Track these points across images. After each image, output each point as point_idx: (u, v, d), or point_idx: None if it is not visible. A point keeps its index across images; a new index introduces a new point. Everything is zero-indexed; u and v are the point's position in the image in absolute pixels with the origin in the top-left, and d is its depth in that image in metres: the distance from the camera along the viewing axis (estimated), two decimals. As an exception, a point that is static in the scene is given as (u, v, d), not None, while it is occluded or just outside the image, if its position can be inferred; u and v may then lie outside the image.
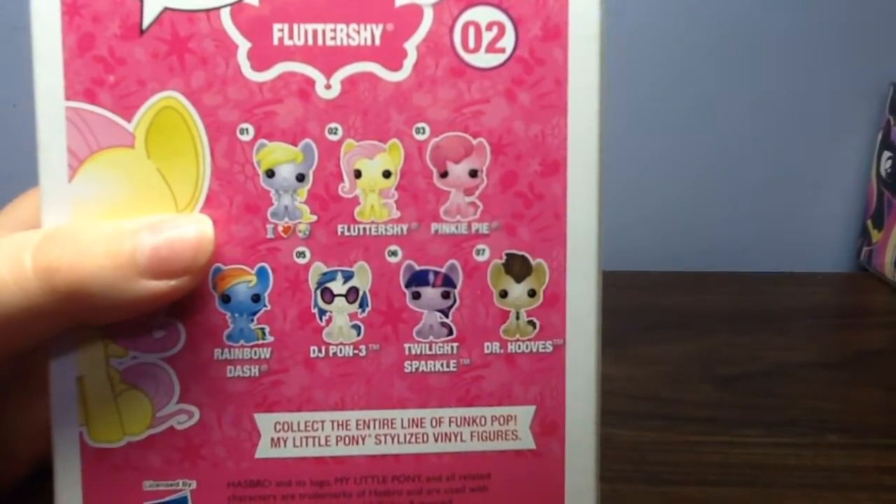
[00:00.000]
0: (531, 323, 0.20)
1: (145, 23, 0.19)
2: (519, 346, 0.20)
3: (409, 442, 0.20)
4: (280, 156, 0.19)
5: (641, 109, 0.50)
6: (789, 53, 0.50)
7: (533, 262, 0.20)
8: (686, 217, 0.52)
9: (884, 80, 0.50)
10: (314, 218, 0.19)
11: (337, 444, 0.20)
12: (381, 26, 0.19)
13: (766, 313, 0.43)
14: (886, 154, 0.49)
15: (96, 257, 0.18)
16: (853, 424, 0.31)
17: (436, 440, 0.20)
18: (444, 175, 0.20)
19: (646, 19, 0.49)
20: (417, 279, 0.20)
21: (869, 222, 0.51)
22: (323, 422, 0.20)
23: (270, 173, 0.19)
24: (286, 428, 0.20)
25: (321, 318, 0.20)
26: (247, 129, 0.19)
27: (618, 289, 0.44)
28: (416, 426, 0.20)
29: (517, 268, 0.20)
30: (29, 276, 0.18)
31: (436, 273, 0.20)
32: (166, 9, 0.19)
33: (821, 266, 0.53)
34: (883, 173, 0.49)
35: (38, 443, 0.25)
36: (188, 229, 0.19)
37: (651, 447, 0.29)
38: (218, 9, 0.19)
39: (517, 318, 0.20)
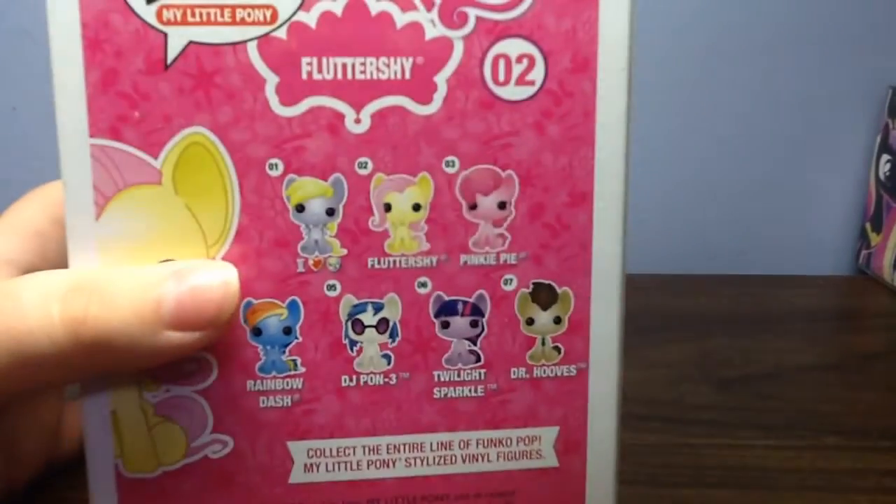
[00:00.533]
0: (556, 348, 0.21)
1: (170, 57, 0.18)
2: (544, 370, 0.21)
3: (438, 464, 0.21)
4: (310, 191, 0.19)
5: (640, 112, 0.50)
6: (788, 56, 0.50)
7: (559, 290, 0.20)
8: (685, 219, 0.53)
9: (882, 84, 0.50)
10: (344, 251, 0.20)
11: (368, 468, 0.21)
12: (411, 59, 0.19)
13: (765, 316, 0.43)
14: (885, 157, 0.49)
15: (122, 310, 0.18)
16: (852, 427, 0.31)
17: (463, 461, 0.21)
18: (473, 207, 0.20)
19: (645, 23, 0.49)
20: (446, 309, 0.20)
21: (867, 225, 0.51)
22: (354, 447, 0.20)
23: (300, 208, 0.19)
24: (319, 454, 0.20)
25: (352, 349, 0.20)
26: (276, 165, 0.19)
27: None
28: (445, 449, 0.21)
29: (544, 296, 0.20)
30: (56, 325, 0.18)
31: (464, 303, 0.20)
32: (191, 43, 0.18)
33: (820, 269, 0.53)
34: (881, 176, 0.49)
35: (46, 444, 0.26)
36: (213, 277, 0.19)
37: (650, 449, 0.29)
38: (245, 42, 0.18)
39: (543, 343, 0.21)
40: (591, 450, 0.21)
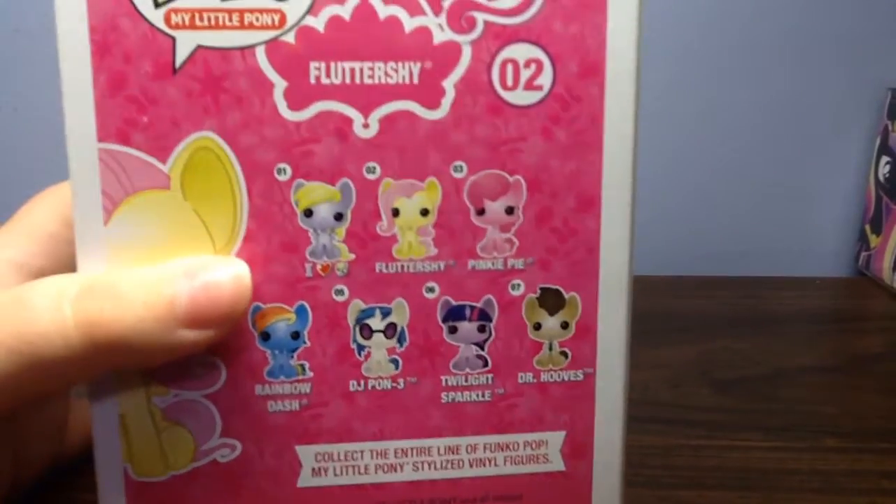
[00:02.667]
0: (563, 353, 0.21)
1: (178, 61, 0.18)
2: (551, 375, 0.21)
3: (446, 468, 0.21)
4: (318, 195, 0.19)
5: (641, 115, 0.51)
6: (788, 59, 0.50)
7: (566, 295, 0.20)
8: (685, 222, 0.53)
9: (882, 86, 0.51)
10: (352, 256, 0.20)
11: (376, 472, 0.21)
12: (419, 64, 0.19)
13: (765, 318, 0.43)
14: (885, 159, 0.49)
15: (136, 309, 0.18)
16: (852, 428, 0.31)
17: (471, 465, 0.21)
18: (480, 212, 0.20)
19: (645, 26, 0.50)
20: (454, 314, 0.20)
21: (867, 227, 0.51)
22: (362, 451, 0.20)
23: (308, 213, 0.19)
24: (327, 458, 0.20)
25: (360, 354, 0.20)
26: (284, 169, 0.19)
27: None
28: (452, 453, 0.21)
29: (551, 301, 0.20)
30: (70, 328, 0.18)
31: (472, 308, 0.20)
32: (199, 47, 0.18)
33: (819, 271, 0.53)
34: (881, 178, 0.49)
35: (53, 443, 0.26)
36: (225, 273, 0.19)
37: (650, 451, 0.29)
38: (253, 47, 0.18)
39: (550, 348, 0.21)
40: (598, 454, 0.21)
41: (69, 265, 0.24)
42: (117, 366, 0.19)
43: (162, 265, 0.19)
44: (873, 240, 0.50)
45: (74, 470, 0.27)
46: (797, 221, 0.53)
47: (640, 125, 0.20)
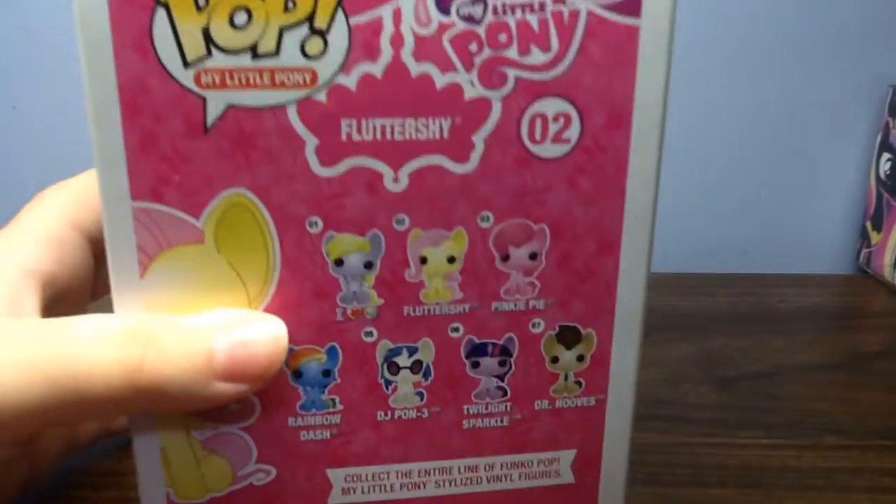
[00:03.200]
0: (578, 382, 0.22)
1: (209, 120, 0.18)
2: (566, 401, 0.22)
3: (465, 484, 0.22)
4: (348, 246, 0.20)
5: None
6: (789, 56, 0.49)
7: (583, 331, 0.21)
8: (685, 218, 0.52)
9: (883, 83, 0.50)
10: (381, 301, 0.20)
11: (401, 489, 0.22)
12: (449, 120, 0.19)
13: (765, 315, 0.43)
14: (886, 156, 0.49)
15: (176, 359, 0.19)
16: (852, 426, 0.32)
17: (488, 482, 0.23)
18: (505, 258, 0.20)
19: None
20: (477, 351, 0.21)
21: (868, 224, 0.51)
22: (388, 473, 0.22)
23: (339, 262, 0.20)
24: (355, 479, 0.22)
25: (387, 388, 0.21)
26: (316, 222, 0.19)
27: None
28: (472, 472, 0.22)
29: (569, 337, 0.21)
30: (113, 370, 0.19)
31: (494, 345, 0.21)
32: (230, 106, 0.18)
33: (820, 268, 0.53)
34: (882, 175, 0.49)
35: (60, 442, 0.26)
36: (263, 330, 0.19)
37: (650, 449, 0.30)
38: (284, 105, 0.18)
39: (566, 378, 0.22)
40: (605, 468, 0.23)
41: (76, 269, 0.24)
42: (154, 410, 0.20)
43: (202, 316, 0.19)
44: (874, 237, 0.50)
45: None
46: (798, 218, 0.53)
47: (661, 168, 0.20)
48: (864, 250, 0.51)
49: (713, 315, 0.43)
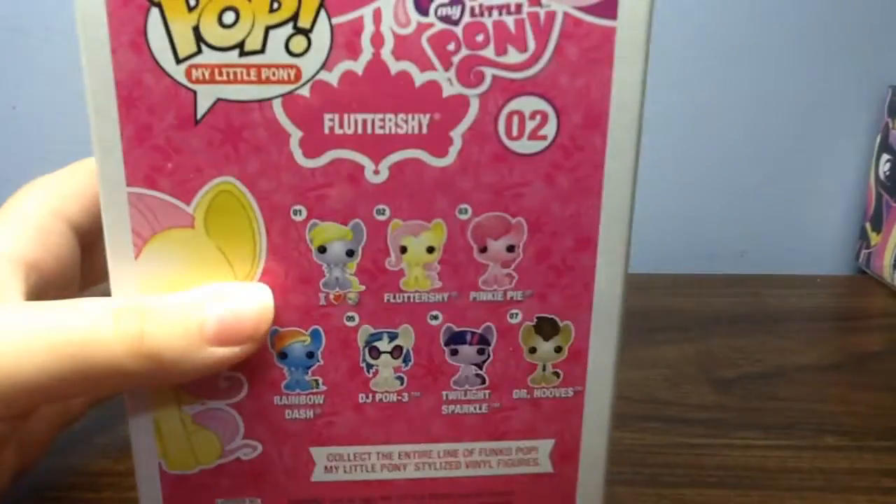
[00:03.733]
0: (556, 373, 0.22)
1: (199, 113, 0.19)
2: (544, 391, 0.23)
3: (444, 468, 0.23)
4: (331, 234, 0.21)
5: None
6: (788, 56, 0.49)
7: (561, 324, 0.22)
8: (685, 219, 0.52)
9: (882, 84, 0.50)
10: (363, 288, 0.21)
11: (381, 470, 0.23)
12: (428, 116, 0.20)
13: (764, 316, 0.43)
14: (885, 157, 0.49)
15: (172, 328, 0.20)
16: (852, 427, 0.32)
17: (467, 467, 0.23)
18: (483, 250, 0.21)
19: None
20: (456, 339, 0.22)
21: (867, 225, 0.51)
22: (369, 453, 0.23)
23: (322, 249, 0.21)
24: (338, 458, 0.23)
25: (368, 371, 0.22)
26: (300, 211, 0.20)
27: None
28: (451, 456, 0.23)
29: (546, 329, 0.22)
30: (114, 340, 0.20)
31: (473, 333, 0.22)
32: (219, 100, 0.19)
33: (820, 268, 0.53)
34: (881, 176, 0.49)
35: (55, 425, 0.27)
36: (250, 299, 0.20)
37: (650, 449, 0.30)
38: (270, 100, 0.19)
39: (543, 369, 0.22)
40: (584, 460, 0.24)
41: (60, 256, 0.25)
42: (154, 380, 0.21)
43: (195, 290, 0.20)
44: (874, 237, 0.50)
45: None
46: (797, 219, 0.53)
47: (639, 165, 0.21)
48: (864, 251, 0.51)
49: (713, 316, 0.43)
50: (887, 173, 0.48)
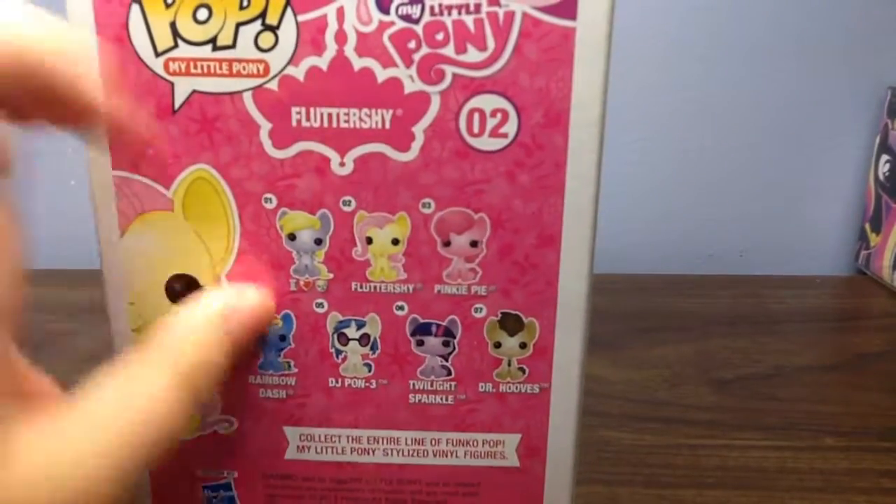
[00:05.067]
0: (521, 369, 0.23)
1: (177, 103, 0.20)
2: (509, 386, 0.23)
3: (412, 455, 0.24)
4: (300, 223, 0.21)
5: (640, 114, 0.50)
6: (788, 58, 0.48)
7: (525, 320, 0.22)
8: (684, 220, 0.52)
9: (882, 85, 0.49)
10: (331, 276, 0.22)
11: (351, 453, 0.24)
12: (390, 111, 0.20)
13: (764, 316, 0.43)
14: (884, 158, 0.48)
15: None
16: (851, 427, 0.31)
17: (434, 455, 0.24)
18: (447, 244, 0.22)
19: (645, 24, 0.48)
20: (421, 329, 0.22)
21: (867, 226, 0.50)
22: (339, 436, 0.24)
23: (292, 237, 0.22)
24: (309, 439, 0.24)
25: (338, 356, 0.23)
26: (270, 199, 0.21)
27: (616, 292, 0.45)
28: (418, 444, 0.24)
29: (511, 324, 0.22)
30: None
31: (438, 325, 0.22)
32: (195, 91, 0.20)
33: (819, 269, 0.52)
34: (881, 177, 0.48)
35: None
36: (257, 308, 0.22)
37: (649, 450, 0.30)
38: (241, 92, 0.20)
39: (509, 364, 0.23)
40: (551, 456, 0.24)
41: None
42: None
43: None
44: (873, 238, 0.49)
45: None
46: (797, 220, 0.52)
47: (602, 163, 0.21)
48: (863, 252, 0.50)
49: (712, 317, 0.43)
50: (887, 174, 0.48)
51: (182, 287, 0.22)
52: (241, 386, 0.23)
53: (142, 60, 0.20)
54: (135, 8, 0.20)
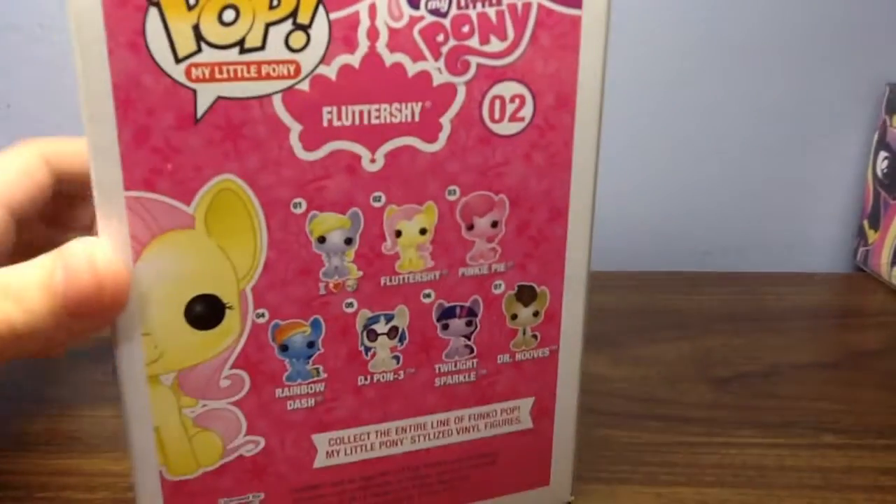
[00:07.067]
0: (534, 336, 0.24)
1: (199, 112, 0.19)
2: (524, 354, 0.25)
3: (437, 438, 0.24)
4: (330, 224, 0.21)
5: (638, 111, 0.49)
6: (786, 54, 0.49)
7: (538, 289, 0.24)
8: (682, 217, 0.51)
9: (880, 81, 0.49)
10: (360, 274, 0.22)
11: (380, 448, 0.24)
12: (419, 104, 0.21)
13: (762, 314, 0.43)
14: (882, 154, 0.48)
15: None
16: (850, 425, 0.31)
17: (458, 433, 0.25)
18: (470, 227, 0.22)
19: (644, 23, 0.47)
20: (447, 314, 0.23)
21: (865, 222, 0.50)
22: (369, 433, 0.24)
23: (322, 240, 0.21)
24: (339, 442, 0.23)
25: (367, 354, 0.23)
26: (300, 204, 0.21)
27: (614, 289, 0.44)
28: (443, 425, 0.24)
29: (526, 296, 0.24)
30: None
31: (462, 307, 0.23)
32: (220, 98, 0.19)
33: (817, 266, 0.53)
34: (879, 173, 0.48)
35: None
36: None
37: (648, 448, 0.30)
38: (270, 95, 0.19)
39: (524, 333, 0.24)
40: (558, 414, 0.26)
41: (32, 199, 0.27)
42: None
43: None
44: (871, 235, 0.49)
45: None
46: (795, 217, 0.52)
47: (602, 142, 0.23)
48: (862, 249, 0.50)
49: (710, 314, 0.42)
50: (885, 171, 0.48)
51: (204, 308, 0.21)
52: (268, 402, 0.22)
53: (160, 68, 0.18)
54: (152, 11, 0.18)
